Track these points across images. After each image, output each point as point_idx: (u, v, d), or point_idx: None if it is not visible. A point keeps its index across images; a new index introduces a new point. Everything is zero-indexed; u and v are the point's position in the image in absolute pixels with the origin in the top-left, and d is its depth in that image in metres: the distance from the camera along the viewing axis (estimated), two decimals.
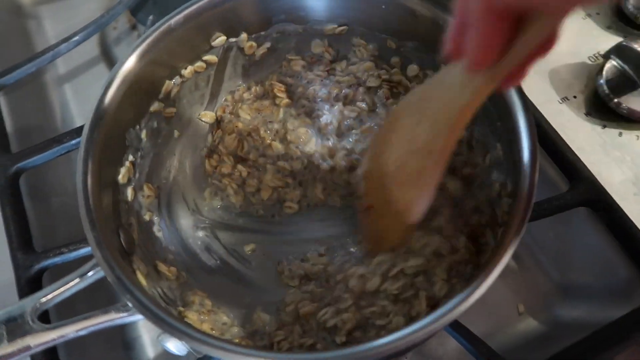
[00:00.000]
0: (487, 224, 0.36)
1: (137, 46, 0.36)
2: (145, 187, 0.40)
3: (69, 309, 0.40)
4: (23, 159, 0.46)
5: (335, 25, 0.42)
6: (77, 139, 0.47)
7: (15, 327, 0.27)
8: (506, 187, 0.34)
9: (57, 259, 0.42)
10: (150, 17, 0.53)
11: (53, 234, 0.49)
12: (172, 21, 0.36)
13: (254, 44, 0.43)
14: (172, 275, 0.36)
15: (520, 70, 0.26)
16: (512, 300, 0.46)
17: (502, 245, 0.30)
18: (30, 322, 0.28)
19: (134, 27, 0.62)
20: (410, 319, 0.35)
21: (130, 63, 0.35)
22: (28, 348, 0.27)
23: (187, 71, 0.41)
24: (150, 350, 0.45)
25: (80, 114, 0.58)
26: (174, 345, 0.31)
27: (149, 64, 0.37)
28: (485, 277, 0.29)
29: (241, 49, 0.43)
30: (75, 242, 0.42)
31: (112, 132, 0.35)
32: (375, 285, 0.35)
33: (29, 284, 0.41)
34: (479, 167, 0.39)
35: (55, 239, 0.49)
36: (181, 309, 0.34)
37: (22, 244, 0.43)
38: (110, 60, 0.61)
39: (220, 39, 0.41)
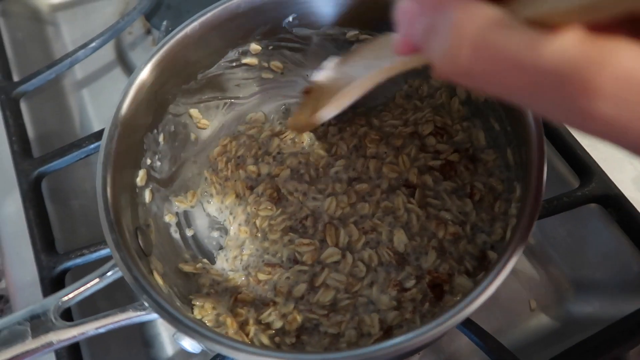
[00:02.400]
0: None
1: (155, 53, 0.37)
2: (162, 189, 0.41)
3: (91, 307, 0.42)
4: (44, 164, 0.48)
5: (357, 32, 0.42)
6: (96, 143, 0.48)
7: (38, 324, 0.28)
8: (515, 191, 0.35)
9: (78, 260, 0.43)
10: (164, 23, 0.55)
11: (74, 235, 0.51)
12: (188, 28, 0.37)
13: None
14: (197, 270, 0.38)
15: None
16: (524, 297, 0.47)
17: (511, 243, 0.30)
18: (53, 320, 0.29)
19: (148, 32, 0.63)
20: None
21: (147, 69, 0.36)
22: (51, 344, 0.28)
23: (203, 76, 0.42)
24: (169, 348, 0.46)
25: (98, 118, 0.60)
26: (189, 344, 0.32)
27: (166, 70, 0.38)
28: (496, 276, 0.29)
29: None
30: (95, 244, 0.44)
31: (130, 136, 0.36)
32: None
33: (52, 284, 0.43)
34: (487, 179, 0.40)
35: (76, 240, 0.50)
36: (197, 303, 0.36)
37: (45, 246, 0.44)
38: (126, 64, 0.63)
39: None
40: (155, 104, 0.39)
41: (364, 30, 0.42)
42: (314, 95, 0.35)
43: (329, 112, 0.33)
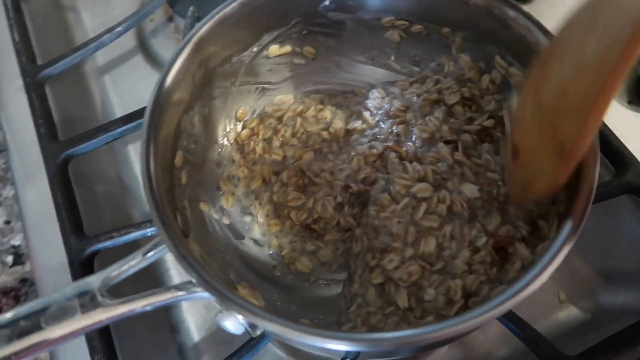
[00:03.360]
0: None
1: (195, 32, 0.36)
2: (196, 172, 0.41)
3: (115, 294, 0.42)
4: (71, 147, 0.47)
5: (392, 17, 0.42)
6: (123, 127, 0.48)
7: (87, 300, 0.28)
8: None
9: (108, 243, 0.43)
10: (191, 8, 0.54)
11: (98, 220, 0.50)
12: (228, 8, 0.37)
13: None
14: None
15: None
16: (552, 288, 0.46)
17: (560, 234, 0.30)
18: (100, 297, 0.28)
19: (170, 19, 0.63)
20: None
21: (187, 49, 0.36)
22: (100, 321, 0.28)
23: (238, 59, 0.41)
24: (195, 334, 0.46)
25: (119, 104, 0.59)
26: (232, 324, 0.32)
27: (204, 51, 0.37)
28: (545, 267, 0.29)
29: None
30: (125, 227, 0.43)
31: (169, 116, 0.36)
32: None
33: (82, 267, 0.42)
34: None
35: (101, 225, 0.50)
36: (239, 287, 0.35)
37: (74, 228, 0.44)
38: (147, 52, 0.62)
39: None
40: (192, 85, 0.38)
41: (401, 15, 0.42)
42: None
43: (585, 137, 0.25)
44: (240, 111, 0.46)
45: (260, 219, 0.44)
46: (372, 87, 0.47)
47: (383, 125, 0.44)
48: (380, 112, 0.45)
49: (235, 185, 0.45)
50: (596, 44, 0.24)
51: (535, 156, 0.31)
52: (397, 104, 0.44)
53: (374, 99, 0.46)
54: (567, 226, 0.30)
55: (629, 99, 0.49)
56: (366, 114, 0.45)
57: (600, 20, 0.24)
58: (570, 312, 0.46)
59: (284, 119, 0.46)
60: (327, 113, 0.46)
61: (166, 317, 0.47)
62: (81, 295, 0.28)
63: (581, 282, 0.47)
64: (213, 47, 0.38)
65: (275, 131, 0.46)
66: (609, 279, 0.46)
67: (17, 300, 0.47)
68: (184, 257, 0.29)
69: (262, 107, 0.47)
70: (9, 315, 0.26)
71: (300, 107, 0.46)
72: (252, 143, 0.46)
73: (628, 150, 0.44)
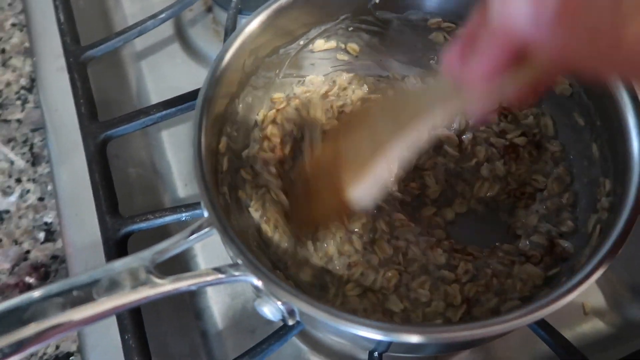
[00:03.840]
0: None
1: (251, 20, 0.37)
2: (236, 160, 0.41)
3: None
4: (111, 128, 0.48)
5: (440, 19, 0.42)
6: (163, 112, 0.48)
7: (136, 276, 0.28)
8: (603, 185, 0.35)
9: (142, 225, 0.43)
10: (234, 0, 0.55)
11: (131, 202, 0.51)
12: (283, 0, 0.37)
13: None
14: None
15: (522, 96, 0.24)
16: (577, 300, 0.46)
17: (605, 244, 0.30)
18: (147, 274, 0.29)
19: (209, 10, 0.63)
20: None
21: (241, 37, 0.37)
22: (147, 297, 0.28)
23: (285, 51, 0.42)
24: (218, 321, 0.46)
25: (155, 90, 0.60)
26: (270, 310, 0.32)
27: (256, 40, 0.38)
28: (588, 277, 0.29)
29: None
30: (160, 210, 0.44)
31: (218, 103, 0.36)
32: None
33: (116, 247, 0.43)
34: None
35: (133, 208, 0.50)
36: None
37: (110, 208, 0.44)
38: (184, 40, 0.63)
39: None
40: (242, 73, 0.39)
41: (449, 17, 0.42)
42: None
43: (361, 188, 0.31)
44: (275, 95, 0.45)
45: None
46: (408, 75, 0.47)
47: None
48: None
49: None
50: (387, 124, 0.30)
51: (321, 193, 0.36)
52: None
53: (408, 83, 0.46)
54: (614, 235, 0.30)
55: None
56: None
57: (399, 108, 0.29)
58: (595, 325, 0.46)
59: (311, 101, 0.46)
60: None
61: (191, 303, 0.48)
62: (131, 270, 0.28)
63: (607, 295, 0.47)
64: (265, 37, 0.38)
65: (296, 122, 0.44)
66: (636, 293, 0.46)
67: (47, 277, 0.47)
68: (232, 240, 0.30)
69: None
70: (64, 283, 0.26)
71: (325, 88, 0.46)
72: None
73: None
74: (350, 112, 0.42)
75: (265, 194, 0.41)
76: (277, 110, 0.44)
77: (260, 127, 0.44)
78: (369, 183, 0.31)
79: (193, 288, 0.29)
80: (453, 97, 0.26)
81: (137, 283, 0.28)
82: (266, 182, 0.41)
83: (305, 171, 0.39)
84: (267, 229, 0.39)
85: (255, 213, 0.40)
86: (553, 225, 0.40)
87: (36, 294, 0.26)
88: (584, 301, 0.46)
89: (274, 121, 0.44)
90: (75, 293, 0.27)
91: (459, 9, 0.41)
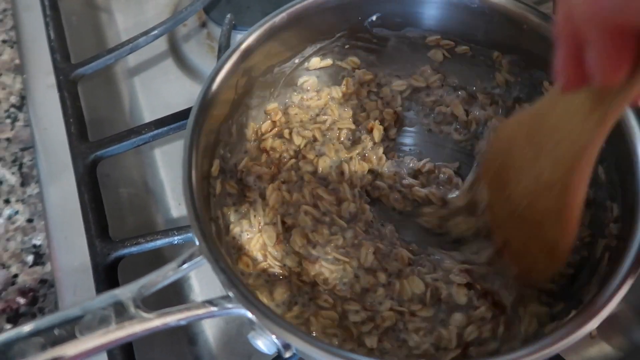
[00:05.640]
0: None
1: (243, 41, 0.36)
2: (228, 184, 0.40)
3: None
4: (101, 148, 0.47)
5: (438, 37, 0.41)
6: (155, 132, 0.47)
7: (121, 311, 0.27)
8: (611, 210, 0.33)
9: (133, 249, 0.42)
10: (228, 16, 0.54)
11: (122, 224, 0.49)
12: (277, 19, 0.36)
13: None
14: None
15: None
16: None
17: (621, 270, 0.29)
18: (134, 308, 0.27)
19: (203, 25, 0.63)
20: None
21: (234, 57, 0.36)
22: (134, 333, 0.26)
23: (279, 70, 0.41)
24: (213, 347, 0.45)
25: (147, 106, 0.59)
26: (264, 343, 0.30)
27: (249, 60, 0.37)
28: (600, 310, 0.28)
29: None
30: (151, 234, 0.42)
31: (211, 124, 0.35)
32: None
33: (106, 271, 0.41)
34: None
35: (124, 229, 0.49)
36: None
37: (100, 231, 0.43)
38: (178, 56, 0.62)
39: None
40: (235, 93, 0.38)
41: (447, 35, 0.41)
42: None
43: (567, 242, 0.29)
44: (269, 107, 0.44)
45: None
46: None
47: None
48: None
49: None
50: (550, 168, 0.28)
51: (528, 252, 0.34)
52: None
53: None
54: (628, 261, 0.28)
55: None
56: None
57: (547, 144, 0.27)
58: (601, 349, 0.45)
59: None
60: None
61: (184, 328, 0.46)
62: (116, 304, 0.27)
63: (614, 319, 0.45)
64: (258, 57, 0.37)
65: (287, 149, 0.43)
66: None
67: (35, 302, 0.46)
68: (223, 271, 0.28)
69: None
70: (43, 321, 0.25)
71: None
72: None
73: None
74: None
75: (248, 211, 0.40)
76: (273, 121, 0.43)
77: (257, 138, 0.43)
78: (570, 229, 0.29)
79: (183, 323, 0.28)
80: (597, 105, 0.24)
81: (122, 318, 0.26)
82: (254, 199, 0.40)
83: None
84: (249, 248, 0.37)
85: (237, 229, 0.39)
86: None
87: (13, 333, 0.24)
88: None
89: (274, 134, 0.43)
90: (56, 332, 0.25)
91: (458, 27, 0.40)
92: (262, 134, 0.43)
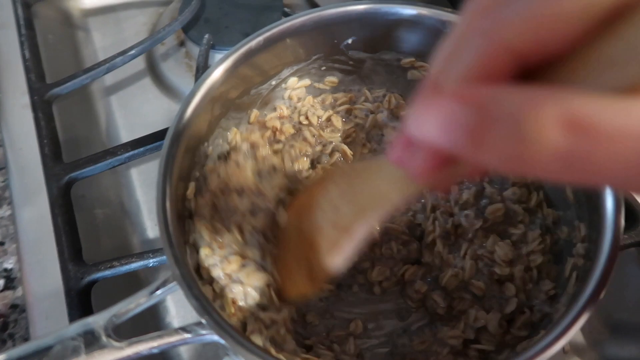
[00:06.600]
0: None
1: (219, 64, 0.36)
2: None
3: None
4: (76, 169, 0.46)
5: (413, 59, 0.42)
6: (131, 152, 0.47)
7: (92, 340, 0.26)
8: (579, 230, 0.34)
9: (107, 272, 0.41)
10: (206, 36, 0.54)
11: (97, 246, 0.49)
12: (253, 42, 0.37)
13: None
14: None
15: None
16: None
17: (583, 294, 0.29)
18: (105, 337, 0.27)
19: (182, 44, 0.63)
20: None
21: (211, 79, 0.36)
22: None
23: (256, 92, 0.41)
24: None
25: (124, 126, 0.59)
26: None
27: (226, 83, 0.37)
28: (562, 334, 0.29)
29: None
30: (126, 256, 0.42)
31: (187, 147, 0.35)
32: None
33: (79, 296, 0.41)
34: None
35: (100, 251, 0.48)
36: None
37: (73, 255, 0.42)
38: (156, 75, 0.62)
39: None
40: (211, 116, 0.38)
41: (421, 57, 0.42)
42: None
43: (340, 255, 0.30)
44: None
45: None
46: None
47: None
48: None
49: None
50: (351, 214, 0.30)
51: (294, 268, 0.35)
52: None
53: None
54: (590, 286, 0.29)
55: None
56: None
57: (359, 194, 0.29)
58: None
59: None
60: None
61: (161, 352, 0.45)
62: (86, 334, 0.26)
63: (587, 334, 0.46)
64: (234, 80, 0.38)
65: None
66: (616, 332, 0.46)
67: (6, 328, 0.45)
68: (197, 298, 0.28)
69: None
70: (8, 354, 0.24)
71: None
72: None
73: (638, 202, 0.44)
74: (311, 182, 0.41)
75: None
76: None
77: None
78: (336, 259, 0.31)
79: (155, 351, 0.28)
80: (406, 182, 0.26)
81: (92, 348, 0.26)
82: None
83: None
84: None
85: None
86: None
87: None
88: None
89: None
90: None
91: (431, 49, 0.41)
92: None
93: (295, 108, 0.44)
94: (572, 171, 0.15)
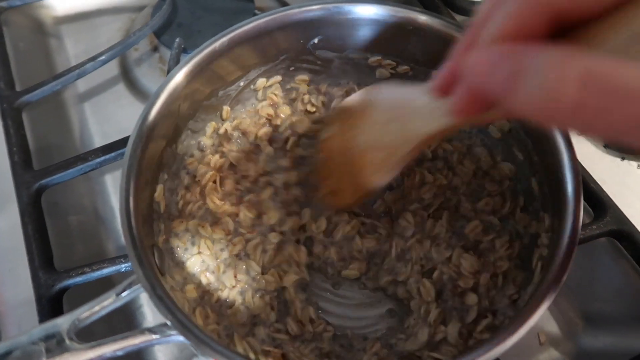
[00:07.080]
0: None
1: (183, 66, 0.36)
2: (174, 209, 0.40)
3: (86, 334, 0.39)
4: (46, 176, 0.46)
5: (379, 57, 0.42)
6: (102, 158, 0.46)
7: (54, 344, 0.26)
8: (543, 221, 0.35)
9: (79, 279, 0.41)
10: (177, 40, 0.54)
11: (70, 252, 0.48)
12: (217, 44, 0.37)
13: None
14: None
15: None
16: (533, 330, 0.46)
17: (545, 284, 0.30)
18: (68, 341, 0.27)
19: (155, 49, 0.63)
20: None
21: (174, 82, 0.36)
22: None
23: (224, 93, 0.41)
24: None
25: (98, 132, 0.58)
26: None
27: (191, 85, 0.37)
28: (527, 319, 0.29)
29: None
30: (97, 262, 0.42)
31: (152, 149, 0.35)
32: None
33: (50, 304, 0.40)
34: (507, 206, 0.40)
35: (73, 258, 0.48)
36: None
37: (44, 262, 0.42)
38: (129, 80, 0.62)
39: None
40: (177, 118, 0.38)
41: (388, 56, 0.43)
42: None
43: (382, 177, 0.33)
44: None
45: None
46: None
47: None
48: None
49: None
50: (394, 136, 0.32)
51: (341, 182, 0.39)
52: None
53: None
54: (552, 272, 0.29)
55: (605, 142, 0.50)
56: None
57: (401, 120, 0.31)
58: (550, 355, 0.46)
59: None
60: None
61: (137, 356, 0.45)
62: (48, 338, 0.26)
63: (562, 325, 0.47)
64: (200, 81, 0.38)
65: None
66: (590, 322, 0.46)
67: None
68: (160, 299, 0.28)
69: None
70: None
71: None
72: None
73: (606, 193, 0.45)
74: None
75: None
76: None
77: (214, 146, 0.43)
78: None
79: (120, 354, 0.28)
80: (443, 115, 0.27)
81: (55, 353, 0.26)
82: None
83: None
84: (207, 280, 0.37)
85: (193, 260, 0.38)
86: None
87: None
88: (539, 331, 0.46)
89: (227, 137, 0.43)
90: None
91: (397, 48, 0.41)
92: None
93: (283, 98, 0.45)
94: (588, 123, 0.17)
